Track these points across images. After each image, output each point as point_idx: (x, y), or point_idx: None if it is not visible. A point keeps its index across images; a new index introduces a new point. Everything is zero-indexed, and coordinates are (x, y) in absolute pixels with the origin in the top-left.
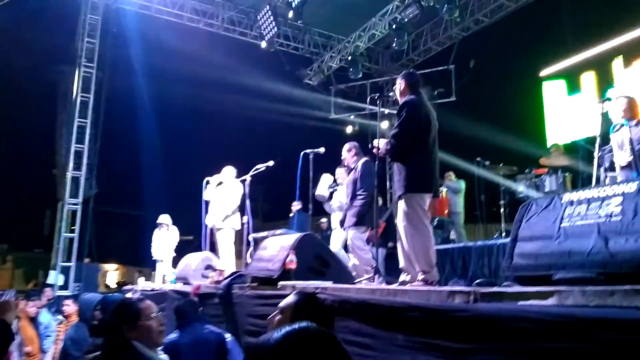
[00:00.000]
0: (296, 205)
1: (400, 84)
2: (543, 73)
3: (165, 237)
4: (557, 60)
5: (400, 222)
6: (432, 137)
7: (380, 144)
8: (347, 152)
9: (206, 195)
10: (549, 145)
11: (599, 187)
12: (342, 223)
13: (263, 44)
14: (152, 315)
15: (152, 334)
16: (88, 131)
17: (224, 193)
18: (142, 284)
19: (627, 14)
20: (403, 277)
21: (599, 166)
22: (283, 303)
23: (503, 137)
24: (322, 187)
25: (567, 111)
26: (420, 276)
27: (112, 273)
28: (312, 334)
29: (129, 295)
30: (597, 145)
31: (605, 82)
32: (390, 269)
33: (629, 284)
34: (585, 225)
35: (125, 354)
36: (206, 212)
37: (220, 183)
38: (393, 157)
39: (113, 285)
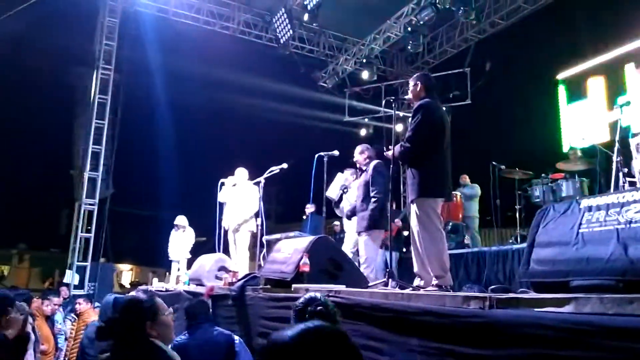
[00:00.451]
0: (309, 208)
1: (416, 85)
2: (560, 76)
3: (181, 238)
4: (574, 63)
5: (413, 226)
6: (447, 141)
7: (396, 149)
8: (360, 154)
9: (221, 197)
10: (566, 149)
11: (618, 193)
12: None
13: (279, 47)
14: (167, 312)
15: (169, 329)
16: (105, 132)
17: (240, 195)
18: (155, 284)
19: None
20: (417, 281)
21: (618, 171)
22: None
23: (519, 141)
24: (334, 188)
25: (583, 115)
26: (434, 281)
27: (126, 273)
28: (325, 331)
29: (132, 293)
30: (615, 150)
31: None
32: (404, 274)
33: None
34: (604, 231)
35: (146, 351)
36: (221, 213)
37: (234, 185)
38: (406, 161)
39: (127, 285)
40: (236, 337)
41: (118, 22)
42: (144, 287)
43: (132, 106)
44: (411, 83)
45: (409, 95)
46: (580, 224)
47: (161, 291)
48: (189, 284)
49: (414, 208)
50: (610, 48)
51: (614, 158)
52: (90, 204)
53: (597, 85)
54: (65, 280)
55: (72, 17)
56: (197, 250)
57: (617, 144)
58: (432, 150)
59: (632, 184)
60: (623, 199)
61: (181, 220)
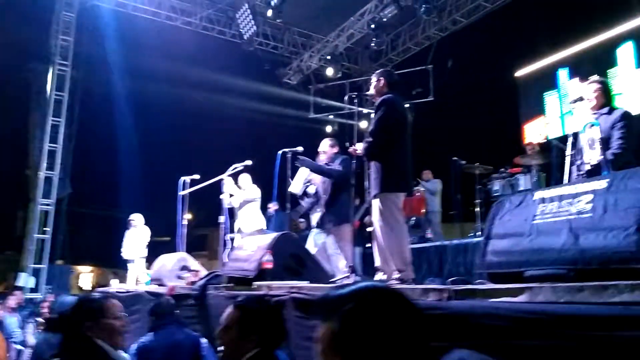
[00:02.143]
0: (273, 206)
1: (379, 81)
2: (518, 73)
3: (135, 236)
4: (532, 60)
5: (375, 221)
6: (408, 137)
7: (359, 147)
8: (330, 147)
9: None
10: (524, 143)
11: (571, 184)
12: (320, 223)
13: (242, 43)
14: (118, 315)
15: (114, 333)
16: (62, 130)
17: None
18: (115, 285)
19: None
20: (379, 275)
21: (572, 164)
22: (226, 317)
23: (479, 137)
24: (297, 182)
25: (541, 110)
26: (396, 275)
27: (86, 275)
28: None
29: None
30: (569, 144)
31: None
32: (367, 268)
33: (597, 280)
34: (556, 222)
35: (87, 351)
36: (183, 211)
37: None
38: (369, 156)
39: (87, 287)
40: (203, 340)
41: (75, 16)
42: (101, 289)
43: (91, 103)
44: (374, 79)
45: (372, 91)
46: (534, 215)
47: (121, 292)
48: (150, 284)
49: (376, 202)
50: (565, 46)
51: (567, 152)
52: (46, 204)
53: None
54: (18, 284)
55: (27, 10)
56: (160, 250)
57: (570, 138)
58: (394, 145)
59: (583, 175)
60: (575, 190)
61: (134, 217)
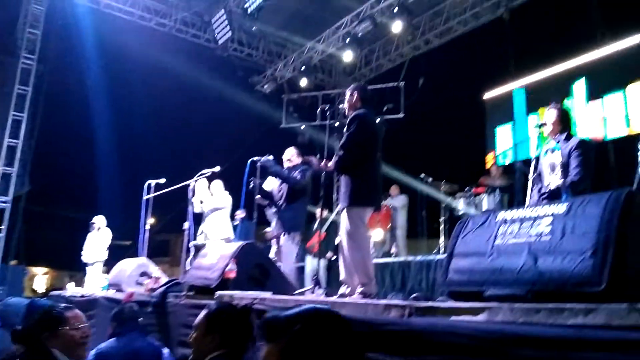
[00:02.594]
0: (240, 214)
1: (352, 95)
2: (486, 96)
3: (96, 239)
4: (500, 83)
5: (342, 234)
6: (379, 152)
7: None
8: (296, 157)
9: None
10: (488, 165)
11: (532, 207)
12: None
13: (216, 48)
14: (78, 326)
15: (73, 344)
16: (24, 126)
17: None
18: (71, 289)
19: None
20: (343, 289)
21: (533, 187)
22: (197, 320)
23: (446, 155)
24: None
25: (508, 131)
26: (359, 289)
27: (40, 277)
28: (321, 314)
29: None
30: (531, 168)
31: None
32: (332, 281)
33: (554, 301)
34: (517, 243)
35: None
36: (146, 215)
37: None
38: (339, 169)
39: (42, 290)
40: (165, 350)
41: (45, 9)
42: (57, 292)
43: (56, 99)
44: (348, 93)
45: (345, 105)
46: (496, 236)
47: (76, 297)
48: (107, 289)
49: (344, 216)
50: (530, 72)
51: (530, 175)
52: (2, 202)
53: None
54: None
55: None
56: (120, 254)
57: (533, 161)
58: (364, 160)
59: (544, 198)
60: (535, 213)
61: (97, 219)
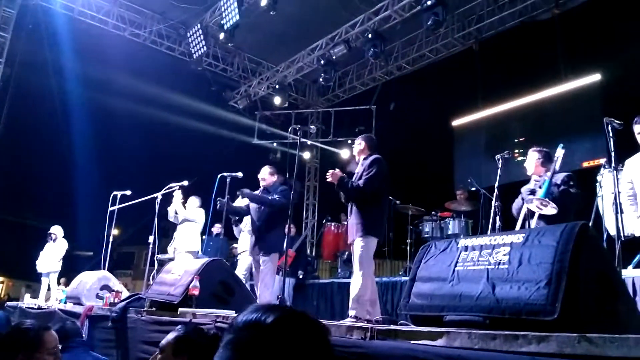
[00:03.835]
0: (217, 229)
1: (360, 144)
2: (455, 123)
3: (51, 249)
4: (467, 112)
5: (357, 262)
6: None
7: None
8: (270, 175)
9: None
10: (455, 189)
11: (492, 235)
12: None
13: (191, 62)
14: (54, 349)
15: None
16: None
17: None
18: (27, 300)
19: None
20: (352, 313)
21: (495, 215)
22: (164, 341)
23: (415, 179)
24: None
25: (475, 159)
26: (367, 316)
27: None
28: (304, 319)
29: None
30: (494, 195)
31: (503, 138)
32: (298, 300)
33: (510, 329)
34: (476, 270)
35: None
36: (110, 226)
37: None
38: (354, 200)
39: None
40: None
41: (15, 13)
42: (13, 303)
43: (21, 104)
44: (357, 142)
45: (355, 152)
46: (457, 261)
47: (33, 308)
48: (65, 302)
49: (358, 244)
50: (498, 103)
51: (493, 202)
52: None
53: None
54: None
55: None
56: (81, 265)
57: (496, 190)
58: (382, 197)
59: (506, 228)
60: (494, 241)
61: (54, 229)
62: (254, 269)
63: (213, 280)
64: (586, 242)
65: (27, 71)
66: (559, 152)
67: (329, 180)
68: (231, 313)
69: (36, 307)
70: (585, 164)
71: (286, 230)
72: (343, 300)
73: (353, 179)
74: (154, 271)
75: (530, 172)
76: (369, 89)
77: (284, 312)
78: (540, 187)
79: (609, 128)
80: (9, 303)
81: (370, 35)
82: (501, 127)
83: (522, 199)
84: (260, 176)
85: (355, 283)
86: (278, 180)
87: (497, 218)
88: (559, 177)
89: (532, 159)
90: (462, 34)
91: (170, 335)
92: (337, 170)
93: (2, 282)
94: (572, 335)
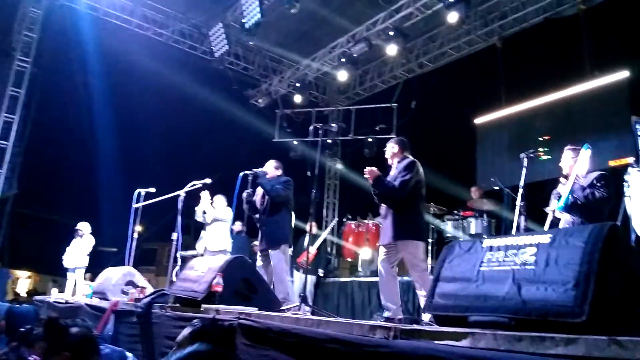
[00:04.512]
0: (238, 227)
1: (393, 147)
2: (477, 121)
3: (78, 245)
4: (490, 110)
5: (415, 265)
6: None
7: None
8: (274, 169)
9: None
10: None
11: (517, 236)
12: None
13: (213, 60)
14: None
15: None
16: (15, 128)
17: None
18: (55, 295)
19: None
20: (386, 314)
21: (520, 214)
22: (180, 336)
23: (436, 177)
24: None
25: (498, 158)
26: (400, 315)
27: (24, 280)
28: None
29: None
30: (519, 195)
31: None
32: (319, 298)
33: (536, 330)
34: (501, 271)
35: None
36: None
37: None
38: (389, 201)
39: (23, 293)
40: (129, 354)
41: (42, 13)
42: (40, 297)
43: (50, 103)
44: (389, 145)
45: (388, 154)
46: (482, 262)
47: (60, 303)
48: (91, 297)
49: (405, 248)
50: (522, 100)
51: (517, 202)
52: None
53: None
54: None
55: None
56: (106, 261)
57: (520, 190)
58: (418, 200)
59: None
60: (520, 241)
61: (81, 225)
62: (259, 263)
63: (236, 277)
64: (615, 243)
65: (54, 71)
66: (584, 154)
67: (366, 176)
68: (254, 310)
69: (63, 301)
70: (612, 163)
71: (307, 228)
72: (364, 298)
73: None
74: (177, 268)
75: (566, 171)
76: (390, 87)
77: None
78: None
79: (637, 126)
80: (36, 297)
81: (391, 33)
82: (525, 125)
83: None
84: (264, 169)
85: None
86: (282, 175)
87: (522, 218)
88: (590, 179)
89: (567, 158)
90: (485, 30)
91: (186, 330)
92: (374, 168)
93: (30, 277)
94: (602, 338)
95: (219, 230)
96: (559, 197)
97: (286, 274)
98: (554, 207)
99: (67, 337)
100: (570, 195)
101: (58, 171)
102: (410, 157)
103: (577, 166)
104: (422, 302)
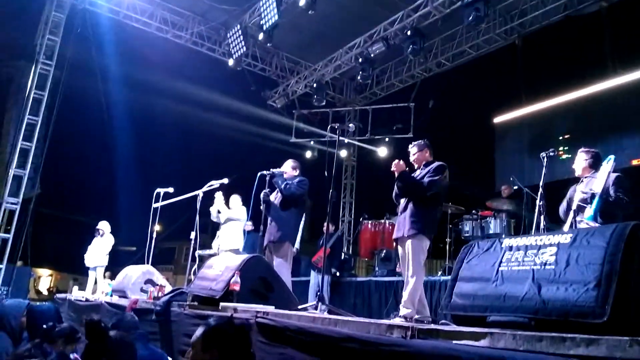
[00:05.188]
0: (248, 226)
1: (419, 150)
2: (496, 120)
3: (99, 244)
4: (509, 109)
5: (411, 260)
6: None
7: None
8: (292, 169)
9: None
10: (498, 188)
11: (537, 235)
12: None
13: (230, 62)
14: None
15: None
16: (38, 129)
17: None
18: (75, 293)
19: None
20: (404, 311)
21: (540, 214)
22: (193, 337)
23: (454, 177)
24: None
25: (517, 157)
26: (417, 315)
27: (45, 279)
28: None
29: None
30: (539, 194)
31: (547, 136)
32: (335, 298)
33: (556, 331)
34: (521, 271)
35: None
36: (154, 223)
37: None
38: (414, 197)
39: (44, 291)
40: (169, 359)
41: (65, 17)
42: (62, 295)
43: (70, 105)
44: (415, 149)
45: (414, 157)
46: (501, 262)
47: (81, 301)
48: (111, 295)
49: (411, 242)
50: (542, 99)
51: (537, 202)
52: (12, 203)
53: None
54: None
55: (17, 8)
56: (125, 260)
57: (540, 189)
58: (439, 201)
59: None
60: (540, 241)
61: (102, 225)
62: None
63: (253, 276)
64: (638, 243)
65: (76, 73)
66: (605, 168)
67: (393, 169)
68: (271, 308)
69: (84, 299)
70: (635, 162)
71: (324, 228)
72: (380, 298)
73: None
74: (195, 266)
75: (578, 173)
76: (407, 87)
77: None
78: (588, 203)
79: None
80: (58, 295)
81: (409, 32)
82: (545, 124)
83: (567, 203)
84: (282, 169)
85: (409, 282)
86: (299, 175)
87: (542, 218)
88: (609, 183)
89: (580, 160)
90: (504, 29)
91: (198, 331)
92: (402, 161)
93: (51, 275)
94: (623, 339)
95: (233, 230)
96: (583, 203)
97: (286, 271)
98: (580, 217)
99: (106, 341)
100: (597, 206)
101: (79, 172)
102: (441, 162)
103: (597, 183)
104: (406, 299)
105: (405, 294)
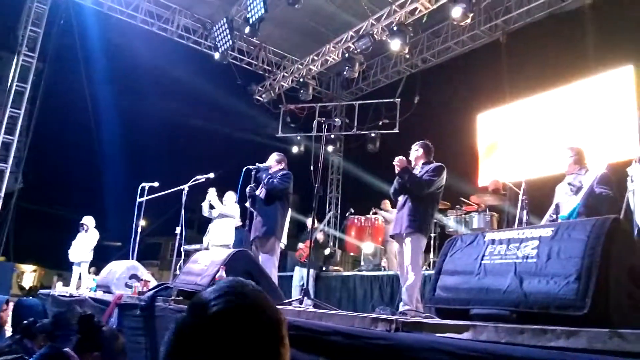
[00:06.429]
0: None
1: (417, 150)
2: (480, 115)
3: (83, 239)
4: (494, 104)
5: (408, 257)
6: None
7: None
8: (276, 163)
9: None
10: (481, 183)
11: (519, 229)
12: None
13: (216, 56)
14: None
15: None
16: (20, 122)
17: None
18: (59, 288)
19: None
20: (402, 307)
21: (522, 209)
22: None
23: None
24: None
25: (500, 153)
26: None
27: (29, 275)
28: (254, 312)
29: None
30: (522, 189)
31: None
32: (320, 292)
33: (538, 323)
34: (503, 264)
35: None
36: (138, 218)
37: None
38: (414, 192)
39: (28, 287)
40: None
41: (48, 8)
42: (45, 291)
43: (54, 98)
44: (414, 148)
45: (412, 157)
46: (484, 255)
47: (64, 296)
48: (95, 290)
49: (410, 240)
50: (526, 95)
51: (520, 196)
52: None
53: (511, 128)
54: None
55: None
56: (110, 255)
57: (523, 184)
58: (436, 200)
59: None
60: (522, 235)
61: (86, 220)
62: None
63: (238, 270)
64: (618, 237)
65: (59, 65)
66: (596, 170)
67: (395, 164)
68: None
69: (68, 295)
70: (616, 159)
71: (308, 222)
72: (365, 292)
73: None
74: (181, 261)
75: (564, 170)
76: (393, 82)
77: (235, 301)
78: (574, 193)
79: None
80: (41, 291)
81: (395, 28)
82: (529, 120)
83: (556, 205)
84: (267, 163)
85: (409, 279)
86: (284, 168)
87: (525, 212)
88: (595, 181)
89: (564, 157)
90: (489, 25)
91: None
92: (404, 158)
93: (35, 271)
94: (603, 331)
95: (224, 226)
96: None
97: (273, 266)
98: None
99: (99, 336)
100: (577, 210)
101: (62, 166)
102: (440, 163)
103: (584, 179)
104: (405, 296)
105: (404, 291)
